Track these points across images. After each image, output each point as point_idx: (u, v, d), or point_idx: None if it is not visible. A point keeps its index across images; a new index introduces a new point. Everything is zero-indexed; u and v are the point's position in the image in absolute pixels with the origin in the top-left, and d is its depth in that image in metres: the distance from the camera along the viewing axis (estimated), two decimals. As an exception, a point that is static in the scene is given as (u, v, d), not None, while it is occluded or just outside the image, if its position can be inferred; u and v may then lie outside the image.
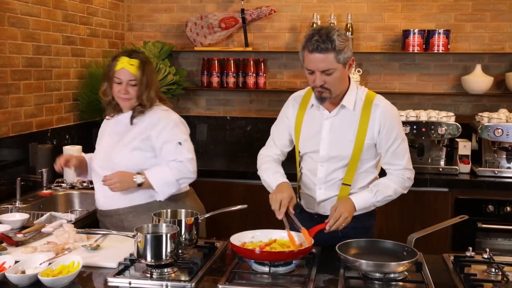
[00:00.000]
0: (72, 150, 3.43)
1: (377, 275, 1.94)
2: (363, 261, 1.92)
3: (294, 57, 4.38)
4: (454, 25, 4.17)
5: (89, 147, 3.80)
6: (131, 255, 2.04)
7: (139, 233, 1.94)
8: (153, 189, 2.54)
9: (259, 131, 4.42)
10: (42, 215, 2.72)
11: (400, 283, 1.95)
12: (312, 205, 2.46)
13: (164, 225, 2.06)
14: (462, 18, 4.18)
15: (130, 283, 1.89)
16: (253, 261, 2.00)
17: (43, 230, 2.41)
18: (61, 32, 3.61)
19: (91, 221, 2.77)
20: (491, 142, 3.74)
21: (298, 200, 2.57)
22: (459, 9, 4.17)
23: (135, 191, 2.57)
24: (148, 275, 1.93)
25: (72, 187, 3.33)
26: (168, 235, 1.93)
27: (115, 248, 2.20)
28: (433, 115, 3.82)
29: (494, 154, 3.78)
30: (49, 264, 1.94)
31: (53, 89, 3.57)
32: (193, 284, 1.88)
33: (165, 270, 1.94)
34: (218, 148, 4.49)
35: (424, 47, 4.08)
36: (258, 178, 2.51)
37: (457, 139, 3.85)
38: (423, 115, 3.82)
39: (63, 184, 3.33)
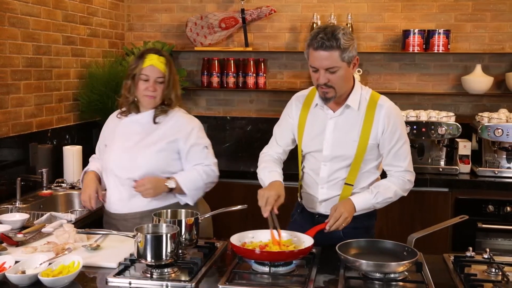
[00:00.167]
0: (72, 150, 3.44)
1: (377, 275, 1.94)
2: (363, 261, 1.92)
3: (294, 57, 4.39)
4: (454, 25, 4.17)
5: (89, 147, 3.79)
6: (131, 255, 2.04)
7: (139, 233, 1.93)
8: (183, 193, 2.53)
9: (259, 131, 4.42)
10: (42, 215, 2.72)
11: (400, 283, 1.95)
12: (313, 204, 2.46)
13: (164, 225, 2.06)
14: (462, 18, 4.18)
15: (130, 283, 1.89)
16: (253, 261, 2.00)
17: (43, 230, 2.41)
18: (61, 32, 3.61)
19: (91, 221, 2.77)
20: (491, 142, 3.74)
21: (299, 199, 2.57)
22: (459, 9, 4.17)
23: (160, 196, 2.52)
24: (148, 275, 1.93)
25: (72, 187, 3.33)
26: (168, 235, 1.93)
27: (115, 248, 2.20)
28: (433, 115, 3.82)
29: (494, 154, 3.79)
30: (49, 264, 1.94)
31: (53, 89, 3.57)
32: (193, 284, 1.87)
33: (165, 270, 1.94)
34: (218, 148, 4.45)
35: (424, 47, 4.08)
36: (256, 178, 2.51)
37: (457, 139, 3.85)
38: (423, 115, 3.82)
39: (63, 184, 3.33)
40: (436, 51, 4.06)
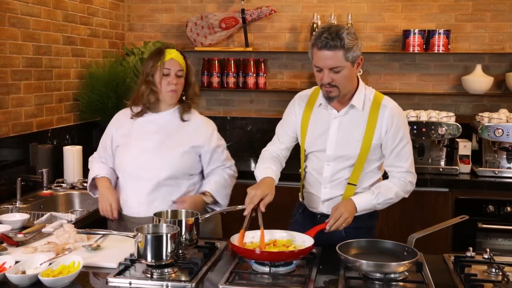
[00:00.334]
0: (72, 150, 3.44)
1: (378, 275, 1.94)
2: (364, 261, 1.92)
3: (294, 57, 4.39)
4: (454, 25, 4.17)
5: (89, 147, 3.80)
6: (131, 255, 2.04)
7: (139, 233, 1.93)
8: (216, 203, 2.58)
9: (259, 131, 4.42)
10: (42, 215, 2.72)
11: (401, 283, 1.95)
12: (315, 204, 2.47)
13: (164, 225, 2.06)
14: (462, 18, 4.18)
15: (130, 283, 1.89)
16: (253, 261, 2.00)
17: (43, 230, 2.40)
18: (62, 32, 3.61)
19: (91, 221, 2.76)
20: (491, 142, 3.74)
21: (301, 199, 2.57)
22: (459, 9, 4.18)
23: (176, 197, 2.51)
24: (149, 275, 1.92)
25: (73, 187, 3.33)
26: (169, 235, 1.93)
27: (115, 248, 2.20)
28: (433, 115, 3.82)
29: (494, 154, 3.79)
30: (50, 264, 1.94)
31: (54, 89, 3.57)
32: (193, 284, 1.87)
33: (166, 270, 1.94)
34: (218, 148, 4.48)
35: (424, 47, 4.08)
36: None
37: (457, 139, 3.85)
38: (424, 115, 3.82)
39: (63, 184, 3.33)
40: (436, 51, 4.06)
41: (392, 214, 3.59)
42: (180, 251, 2.06)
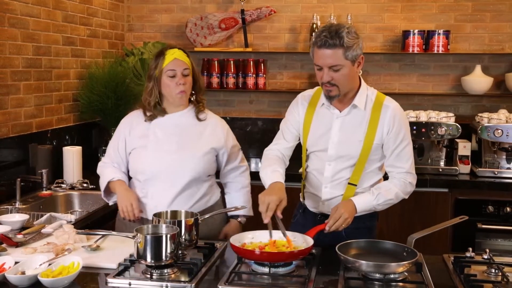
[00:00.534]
0: (72, 151, 3.44)
1: (377, 275, 1.94)
2: (363, 261, 1.92)
3: (294, 58, 4.39)
4: (454, 25, 4.18)
5: (89, 148, 3.81)
6: (131, 255, 2.04)
7: (139, 234, 1.93)
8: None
9: (259, 131, 4.41)
10: (42, 215, 2.72)
11: (400, 284, 1.95)
12: (316, 204, 2.47)
13: (164, 225, 2.06)
14: (462, 18, 4.18)
15: (130, 284, 1.89)
16: (253, 261, 2.00)
17: (43, 231, 2.40)
18: (61, 32, 3.61)
19: (91, 222, 2.76)
20: (491, 142, 3.74)
21: (301, 199, 2.57)
22: (459, 9, 4.18)
23: (200, 199, 2.51)
24: (148, 276, 1.92)
25: (72, 187, 3.33)
26: (168, 235, 1.93)
27: (115, 249, 2.20)
28: (433, 115, 3.82)
29: (494, 154, 3.79)
30: (49, 265, 1.94)
31: (53, 90, 3.57)
32: (193, 284, 1.87)
33: (165, 271, 1.94)
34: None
35: (424, 47, 4.08)
36: (258, 178, 2.49)
37: (457, 140, 3.85)
38: (423, 116, 3.82)
39: (63, 185, 3.33)
40: (436, 52, 4.06)
41: (392, 215, 3.59)
42: (180, 252, 2.06)
